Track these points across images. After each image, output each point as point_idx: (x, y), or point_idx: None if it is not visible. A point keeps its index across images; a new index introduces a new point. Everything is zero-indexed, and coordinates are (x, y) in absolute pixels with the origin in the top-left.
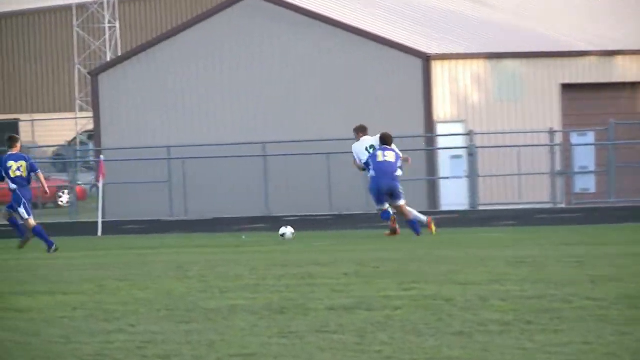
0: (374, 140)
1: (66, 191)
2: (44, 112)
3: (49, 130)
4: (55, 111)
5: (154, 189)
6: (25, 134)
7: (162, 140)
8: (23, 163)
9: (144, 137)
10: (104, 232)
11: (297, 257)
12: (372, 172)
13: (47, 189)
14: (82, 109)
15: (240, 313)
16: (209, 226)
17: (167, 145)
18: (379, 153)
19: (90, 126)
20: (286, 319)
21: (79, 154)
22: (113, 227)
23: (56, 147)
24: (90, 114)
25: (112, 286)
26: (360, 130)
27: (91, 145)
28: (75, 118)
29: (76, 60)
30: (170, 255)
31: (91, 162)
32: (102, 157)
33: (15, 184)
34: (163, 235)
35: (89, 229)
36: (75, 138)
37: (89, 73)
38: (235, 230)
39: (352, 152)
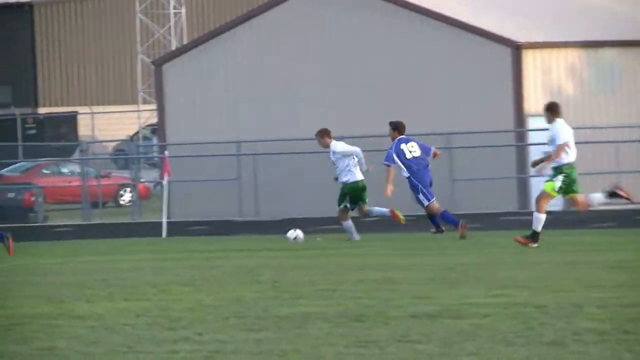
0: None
1: (128, 189)
2: (104, 104)
3: (110, 124)
4: (116, 103)
5: (223, 187)
6: (84, 127)
7: (231, 134)
8: None
9: (212, 131)
10: (168, 234)
11: (376, 261)
12: (405, 174)
13: None
14: (145, 101)
15: (315, 321)
16: (282, 227)
17: (237, 141)
18: (404, 148)
19: (154, 120)
20: (364, 327)
21: (141, 149)
22: (178, 228)
23: (117, 142)
24: (154, 107)
25: (177, 291)
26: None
27: (155, 140)
28: (138, 111)
29: (139, 49)
30: (240, 258)
31: (155, 158)
32: (166, 152)
33: None
34: (232, 237)
35: (152, 229)
36: (137, 132)
37: (152, 62)
38: (310, 232)
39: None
